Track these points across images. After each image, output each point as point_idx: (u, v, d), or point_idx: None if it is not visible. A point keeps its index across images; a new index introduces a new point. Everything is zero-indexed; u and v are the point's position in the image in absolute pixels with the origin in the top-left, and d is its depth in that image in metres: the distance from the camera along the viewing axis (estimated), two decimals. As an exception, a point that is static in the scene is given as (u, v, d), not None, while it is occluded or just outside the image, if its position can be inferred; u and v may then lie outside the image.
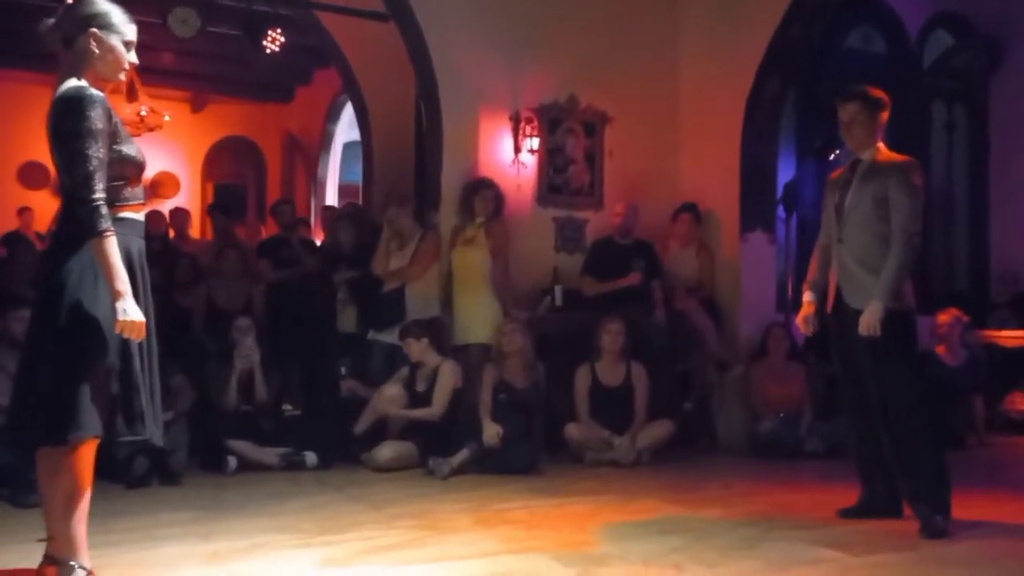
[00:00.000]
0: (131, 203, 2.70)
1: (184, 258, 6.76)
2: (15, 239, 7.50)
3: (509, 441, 5.06)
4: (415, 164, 7.57)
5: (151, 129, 9.95)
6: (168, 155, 11.63)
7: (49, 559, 2.70)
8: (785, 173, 7.08)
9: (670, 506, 4.24)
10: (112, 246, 2.51)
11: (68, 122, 2.52)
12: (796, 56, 6.38)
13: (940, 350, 6.51)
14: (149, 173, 11.65)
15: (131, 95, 9.49)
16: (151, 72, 9.83)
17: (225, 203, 9.08)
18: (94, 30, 2.63)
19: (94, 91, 2.60)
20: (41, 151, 10.39)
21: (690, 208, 6.51)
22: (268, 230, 10.20)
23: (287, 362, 5.78)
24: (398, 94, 7.68)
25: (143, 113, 9.53)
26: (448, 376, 5.34)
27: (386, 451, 5.12)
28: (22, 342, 4.46)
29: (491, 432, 5.07)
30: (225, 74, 10.65)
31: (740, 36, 6.42)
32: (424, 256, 5.88)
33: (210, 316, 6.02)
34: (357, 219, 6.86)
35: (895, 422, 3.78)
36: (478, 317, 5.68)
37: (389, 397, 5.37)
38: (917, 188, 3.76)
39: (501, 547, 3.43)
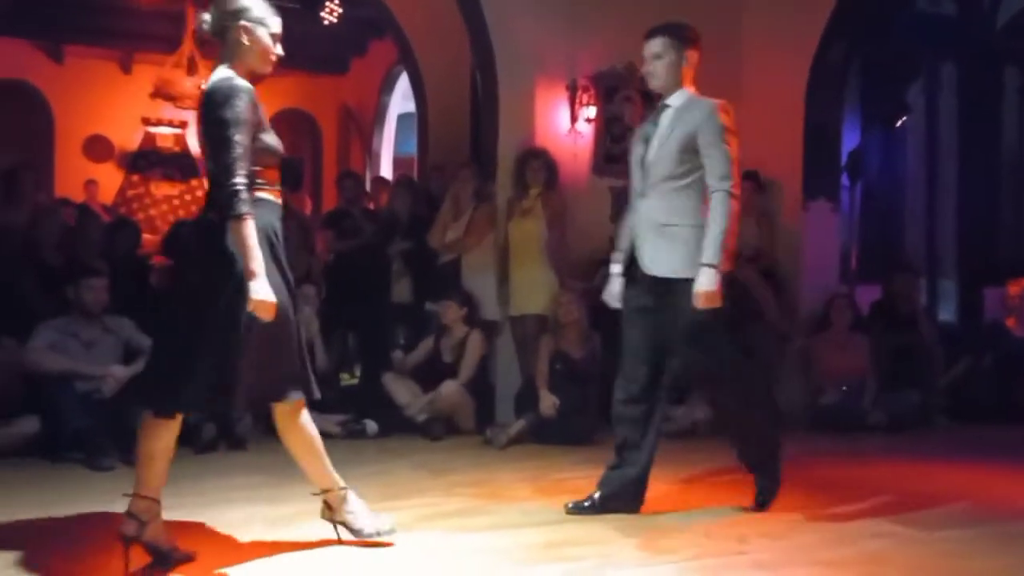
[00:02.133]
0: (269, 187, 2.83)
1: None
2: (83, 211, 7.71)
3: (565, 411, 5.08)
4: (470, 135, 7.55)
5: (211, 103, 10.10)
6: (227, 128, 11.78)
7: (326, 504, 3.03)
8: (849, 140, 6.91)
9: (728, 478, 4.20)
10: (250, 229, 2.62)
11: (218, 111, 2.65)
12: (863, 19, 6.18)
13: (1010, 322, 6.33)
14: (209, 146, 11.95)
15: (192, 69, 9.65)
16: (211, 45, 9.98)
17: (290, 175, 9.17)
18: (244, 23, 2.78)
19: (243, 82, 2.74)
20: (105, 125, 10.76)
21: (751, 176, 6.35)
22: (327, 203, 10.34)
23: (345, 331, 5.85)
24: (453, 64, 7.65)
25: (203, 86, 9.66)
26: (478, 346, 5.46)
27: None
28: (95, 311, 4.64)
29: (547, 403, 5.09)
30: (282, 47, 10.73)
31: (805, -1, 6.23)
32: (479, 226, 5.88)
33: (272, 286, 6.10)
34: (412, 189, 6.89)
35: (725, 394, 3.55)
36: (534, 288, 5.67)
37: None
38: (730, 133, 3.31)
39: (561, 516, 3.45)
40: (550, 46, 6.13)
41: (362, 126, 11.38)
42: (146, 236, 8.54)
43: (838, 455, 4.87)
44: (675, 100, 3.43)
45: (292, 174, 10.85)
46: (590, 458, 4.57)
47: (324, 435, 4.94)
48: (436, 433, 5.17)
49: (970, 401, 6.04)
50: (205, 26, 2.83)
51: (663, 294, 3.36)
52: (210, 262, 2.69)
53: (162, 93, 9.80)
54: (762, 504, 3.55)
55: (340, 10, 7.81)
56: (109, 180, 11.05)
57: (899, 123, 6.92)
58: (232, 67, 2.77)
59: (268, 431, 5.07)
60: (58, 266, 5.34)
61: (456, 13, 6.22)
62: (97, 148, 11.15)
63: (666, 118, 3.41)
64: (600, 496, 3.50)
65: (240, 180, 2.62)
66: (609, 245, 6.20)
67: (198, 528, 3.26)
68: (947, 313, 8.56)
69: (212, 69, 2.91)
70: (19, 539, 3.08)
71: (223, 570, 2.81)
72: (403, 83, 9.82)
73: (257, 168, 2.75)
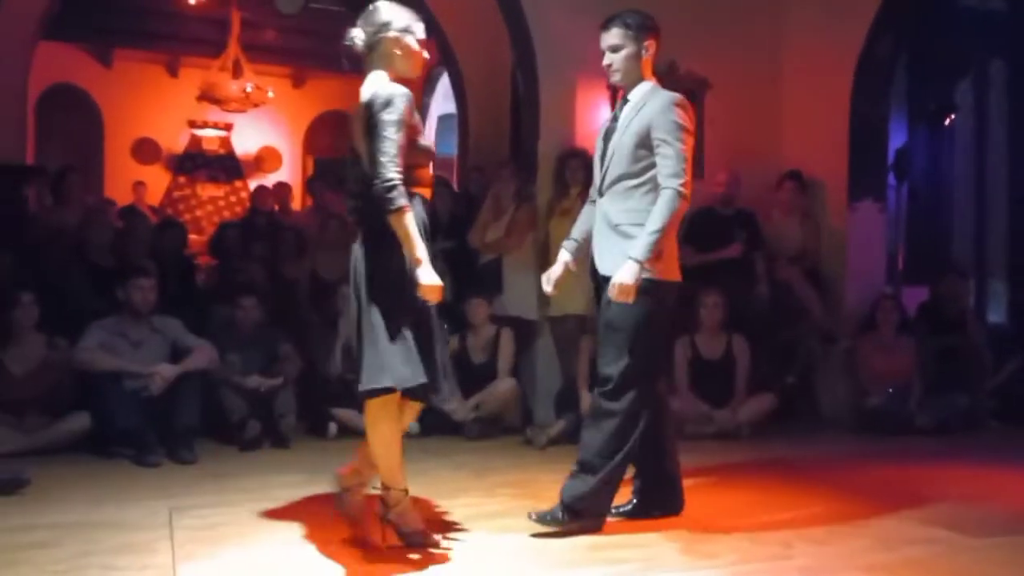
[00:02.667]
0: (422, 184, 2.98)
1: (288, 231, 6.95)
2: (131, 212, 7.87)
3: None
4: (511, 135, 7.56)
5: (256, 105, 10.26)
6: (271, 130, 11.96)
7: (343, 490, 3.12)
8: (896, 138, 6.78)
9: (774, 481, 4.17)
10: (410, 219, 2.78)
11: (380, 114, 2.81)
12: (910, 14, 6.07)
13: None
14: (252, 148, 12.14)
15: (236, 72, 9.80)
16: (255, 49, 10.14)
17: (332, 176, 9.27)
18: (394, 35, 2.93)
19: (403, 88, 2.90)
20: (152, 127, 10.91)
21: (794, 176, 6.31)
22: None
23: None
24: (494, 64, 7.66)
25: (248, 90, 9.81)
26: (511, 343, 5.50)
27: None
28: (143, 310, 4.74)
29: (588, 403, 5.07)
30: (325, 50, 10.84)
31: (852, -8, 6.14)
32: (520, 226, 5.89)
33: (314, 286, 6.18)
34: (452, 189, 6.91)
35: (598, 400, 3.24)
36: (575, 288, 5.62)
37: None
38: (685, 130, 3.15)
39: (602, 517, 3.44)
40: (591, 45, 6.02)
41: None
42: (192, 236, 8.71)
43: (884, 458, 4.79)
44: (635, 94, 3.27)
45: (333, 176, 11.00)
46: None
47: (365, 434, 5.08)
48: (473, 434, 5.17)
49: (1020, 403, 5.90)
50: (358, 41, 2.96)
51: (604, 289, 3.24)
52: (388, 255, 2.85)
53: (208, 96, 9.98)
54: (540, 519, 3.18)
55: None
56: (156, 182, 11.26)
57: (947, 121, 6.77)
58: (387, 75, 2.95)
59: (310, 430, 5.18)
60: (108, 267, 5.46)
61: (497, 14, 6.23)
62: (145, 150, 11.36)
63: (624, 113, 3.26)
64: (637, 502, 3.46)
65: (395, 176, 2.76)
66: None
67: (247, 524, 3.29)
68: (996, 314, 8.38)
69: (254, 71, 2.99)
70: (75, 532, 3.15)
71: (274, 570, 2.84)
72: (444, 84, 9.85)
73: (414, 166, 2.90)
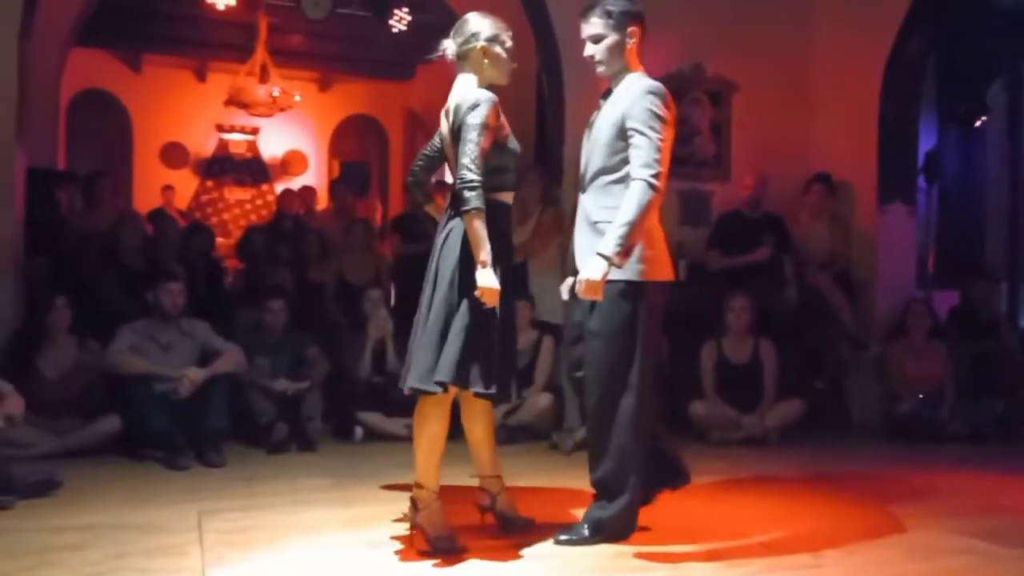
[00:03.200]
0: (507, 189, 3.06)
1: (311, 234, 6.99)
2: (160, 216, 7.94)
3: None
4: (536, 138, 7.54)
5: (282, 109, 10.32)
6: (297, 134, 12.03)
7: (493, 494, 3.26)
8: (926, 141, 6.70)
9: (803, 488, 4.12)
10: (480, 221, 2.86)
11: (467, 119, 2.92)
12: (941, 14, 5.99)
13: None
14: (279, 152, 12.23)
15: (264, 76, 9.87)
16: (282, 54, 10.20)
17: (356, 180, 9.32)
18: (483, 45, 3.03)
19: (488, 93, 3.00)
20: (181, 132, 11.01)
21: (823, 178, 6.25)
22: (393, 207, 10.47)
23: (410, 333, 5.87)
24: (519, 67, 7.62)
25: (275, 94, 9.88)
26: (551, 353, 5.45)
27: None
28: (172, 314, 4.78)
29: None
30: (351, 54, 10.91)
31: (881, -6, 6.08)
32: (546, 230, 5.85)
33: (340, 289, 6.21)
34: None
35: (592, 413, 3.12)
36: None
37: None
38: (660, 118, 2.96)
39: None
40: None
41: (428, 130, 11.47)
42: (219, 240, 8.78)
43: (916, 465, 4.73)
44: (618, 85, 3.11)
45: (358, 179, 11.05)
46: (658, 465, 4.53)
47: (391, 438, 5.09)
48: (501, 440, 5.11)
49: (1055, 411, 5.80)
50: (448, 52, 3.08)
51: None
52: (458, 253, 2.95)
53: (235, 100, 10.05)
54: (565, 540, 3.08)
55: (408, 18, 7.91)
56: (185, 185, 11.37)
57: (978, 123, 6.68)
58: (478, 82, 3.04)
59: (336, 433, 5.20)
60: (139, 270, 5.52)
61: (522, 16, 6.23)
62: (173, 155, 11.47)
63: (605, 104, 3.11)
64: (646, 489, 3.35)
65: (474, 177, 2.86)
66: (677, 250, 6.16)
67: (276, 528, 3.30)
68: (1030, 319, 8.25)
69: (281, 75, 3.05)
70: (107, 534, 3.17)
71: (304, 573, 2.85)
72: (469, 87, 9.87)
73: (498, 168, 2.99)
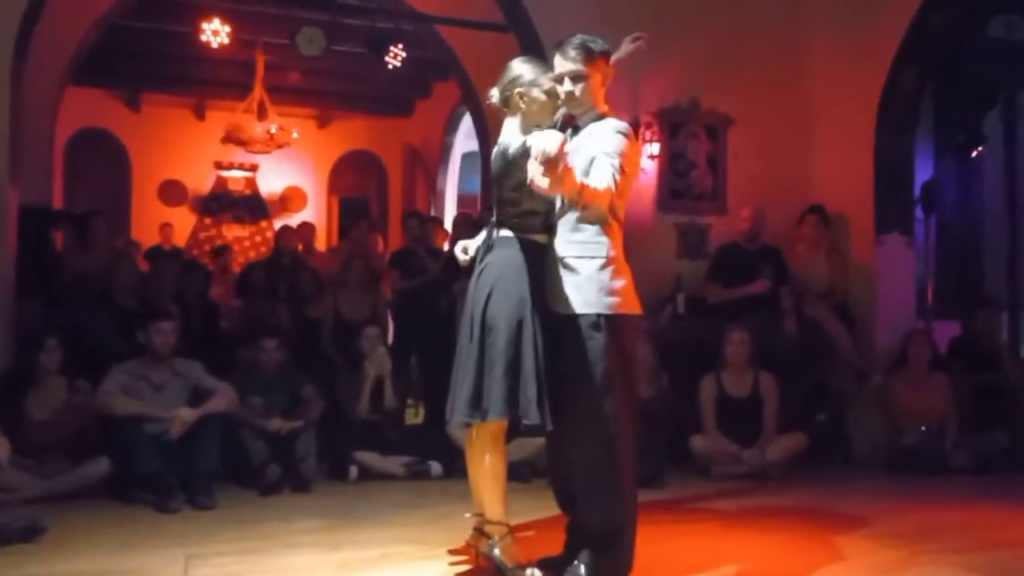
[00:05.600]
0: (538, 231, 3.08)
1: (305, 271, 6.97)
2: (158, 254, 7.93)
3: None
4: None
5: (280, 146, 10.35)
6: (296, 170, 12.07)
7: (478, 530, 3.15)
8: (923, 171, 6.69)
9: (806, 524, 4.04)
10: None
11: (499, 161, 3.06)
12: (935, 46, 6.02)
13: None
14: (277, 188, 12.25)
15: (261, 114, 9.90)
16: (279, 91, 10.25)
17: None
18: (521, 90, 3.10)
19: (522, 139, 3.01)
20: (179, 170, 11.00)
21: (817, 210, 6.24)
22: (392, 243, 10.45)
23: (409, 371, 5.83)
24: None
25: (273, 131, 9.91)
26: None
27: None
28: (163, 353, 4.73)
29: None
30: (349, 90, 10.96)
31: (875, 25, 6.11)
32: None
33: (337, 326, 6.16)
34: (478, 226, 6.88)
35: (578, 454, 3.01)
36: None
37: None
38: (622, 153, 2.92)
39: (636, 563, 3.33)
40: (613, 83, 6.05)
41: (427, 165, 11.52)
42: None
43: (920, 499, 4.64)
44: (588, 124, 3.08)
45: (357, 215, 11.04)
46: (658, 502, 4.46)
47: (387, 477, 5.02)
48: (524, 476, 5.00)
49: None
50: (494, 99, 3.19)
51: (560, 331, 3.00)
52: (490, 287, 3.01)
53: (233, 138, 10.09)
54: None
55: (404, 55, 7.96)
56: (183, 223, 11.38)
57: (975, 153, 6.68)
58: (521, 125, 3.10)
59: (331, 473, 5.12)
60: (133, 309, 5.47)
61: (518, 53, 6.25)
62: (172, 192, 11.49)
63: (573, 141, 3.05)
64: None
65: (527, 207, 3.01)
66: (675, 283, 6.14)
67: (266, 573, 3.23)
68: (1032, 349, 8.18)
69: (278, 113, 3.01)
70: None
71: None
72: (467, 123, 9.91)
73: (529, 212, 3.05)
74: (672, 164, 6.32)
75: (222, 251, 9.26)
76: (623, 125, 3.06)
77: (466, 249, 3.33)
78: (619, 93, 6.11)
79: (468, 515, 3.27)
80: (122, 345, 5.09)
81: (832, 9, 6.47)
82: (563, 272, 3.01)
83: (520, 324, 2.93)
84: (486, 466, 3.04)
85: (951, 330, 6.43)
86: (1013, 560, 3.42)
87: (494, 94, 3.19)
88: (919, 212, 6.49)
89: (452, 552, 3.37)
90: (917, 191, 6.46)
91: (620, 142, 2.97)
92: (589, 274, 2.98)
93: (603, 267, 2.98)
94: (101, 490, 4.48)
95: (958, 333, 6.31)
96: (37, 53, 5.50)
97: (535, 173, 2.61)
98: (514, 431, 3.07)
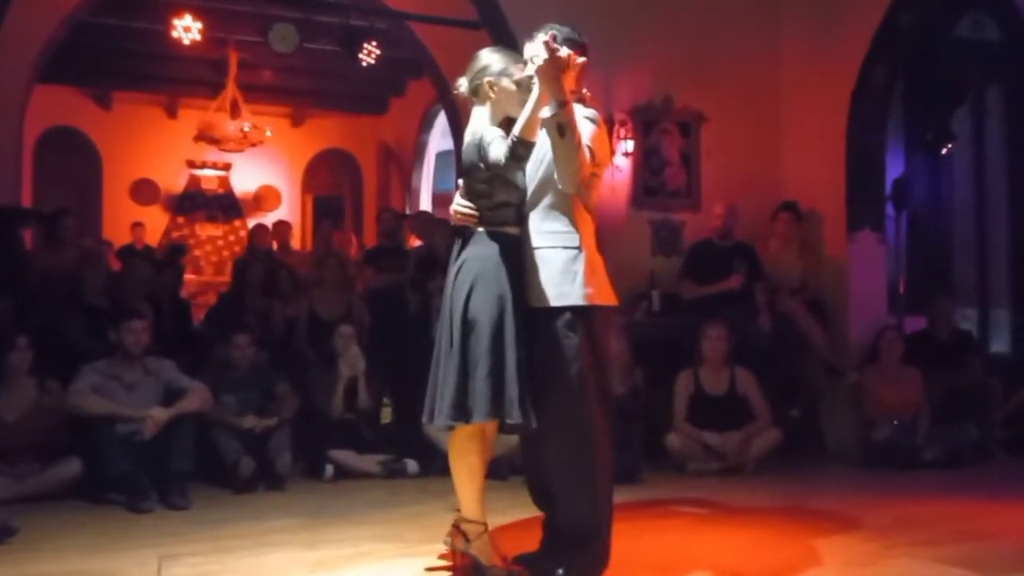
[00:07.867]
0: (510, 223, 3.03)
1: (282, 269, 6.92)
2: (130, 253, 7.84)
3: (609, 449, 4.96)
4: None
5: (254, 144, 10.27)
6: (270, 169, 11.99)
7: (457, 527, 3.10)
8: (894, 168, 6.77)
9: (780, 519, 4.07)
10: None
11: (471, 152, 3.00)
12: (905, 44, 6.09)
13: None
14: (251, 187, 12.16)
15: (234, 112, 9.83)
16: (253, 89, 10.18)
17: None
18: (489, 79, 3.06)
19: (495, 131, 2.99)
20: (151, 168, 10.90)
21: (789, 207, 6.30)
22: (365, 240, 10.39)
23: (383, 369, 5.79)
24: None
25: (246, 129, 9.84)
26: None
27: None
28: (135, 353, 4.68)
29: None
30: (323, 88, 10.91)
31: (845, 24, 6.18)
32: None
33: (311, 325, 6.12)
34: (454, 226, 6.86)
35: (553, 453, 2.99)
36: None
37: None
38: (592, 127, 2.95)
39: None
40: (587, 80, 6.09)
41: (402, 164, 11.49)
42: (190, 276, 8.67)
43: (893, 493, 4.69)
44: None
45: (332, 213, 10.99)
46: (634, 498, 4.47)
47: (363, 475, 4.99)
48: (504, 474, 4.97)
49: (1029, 435, 5.81)
50: (462, 88, 3.12)
51: (535, 324, 2.97)
52: (460, 283, 2.97)
53: (205, 136, 10.01)
54: None
55: (378, 52, 7.92)
56: (155, 222, 11.27)
57: (945, 150, 6.76)
58: (490, 115, 3.07)
59: (306, 471, 5.09)
60: (104, 308, 5.41)
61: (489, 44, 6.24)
62: (144, 191, 11.38)
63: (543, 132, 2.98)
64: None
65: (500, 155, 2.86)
66: (650, 279, 6.16)
67: (240, 573, 3.21)
68: (1001, 344, 8.29)
69: (252, 111, 2.95)
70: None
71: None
72: (441, 121, 9.89)
73: (502, 204, 3.01)
74: (646, 161, 6.35)
75: (179, 251, 8.72)
76: (592, 112, 3.06)
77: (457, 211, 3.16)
78: (592, 91, 6.10)
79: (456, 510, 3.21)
80: (93, 345, 5.02)
81: (803, 8, 6.54)
82: (537, 263, 2.97)
83: (501, 322, 2.90)
84: (467, 466, 3.03)
85: (922, 325, 6.51)
86: (985, 551, 3.47)
87: (462, 84, 3.13)
88: (890, 209, 6.56)
89: (441, 557, 3.30)
90: (888, 188, 6.53)
91: (589, 128, 2.96)
92: (562, 265, 2.95)
93: (575, 257, 2.96)
94: (72, 491, 4.43)
95: (922, 326, 6.38)
96: (3, 51, 5.42)
97: (539, 69, 2.74)
98: (498, 428, 3.04)
